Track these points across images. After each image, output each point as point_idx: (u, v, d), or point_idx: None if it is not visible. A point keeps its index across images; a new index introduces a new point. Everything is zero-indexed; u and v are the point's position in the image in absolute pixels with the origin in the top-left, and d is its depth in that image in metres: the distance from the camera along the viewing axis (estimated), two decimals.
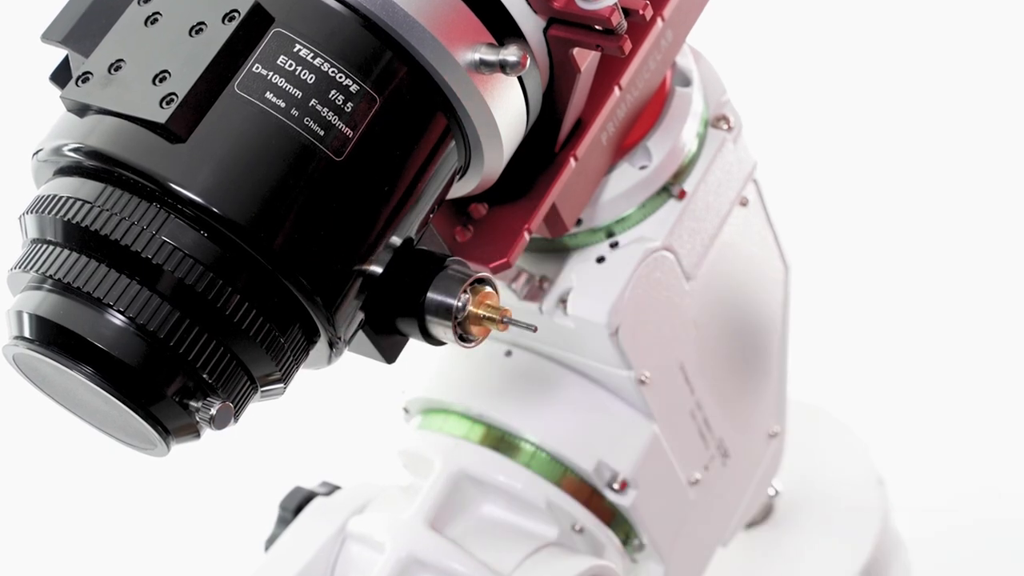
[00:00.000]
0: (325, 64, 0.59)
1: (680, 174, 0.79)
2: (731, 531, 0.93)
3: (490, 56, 0.61)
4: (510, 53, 0.61)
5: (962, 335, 1.39)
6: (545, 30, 0.64)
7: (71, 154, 0.58)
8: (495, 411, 0.81)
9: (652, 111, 0.78)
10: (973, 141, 1.52)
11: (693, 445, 0.86)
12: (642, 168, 0.78)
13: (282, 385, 0.61)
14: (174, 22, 0.58)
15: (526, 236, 0.70)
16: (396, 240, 0.62)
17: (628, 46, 0.64)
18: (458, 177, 0.66)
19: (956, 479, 1.31)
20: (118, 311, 0.56)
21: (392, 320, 0.63)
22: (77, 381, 0.57)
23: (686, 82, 0.80)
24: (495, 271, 0.70)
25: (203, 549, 1.31)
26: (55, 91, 0.61)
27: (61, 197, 0.58)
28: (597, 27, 0.63)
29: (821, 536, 1.05)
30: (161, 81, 0.57)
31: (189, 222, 0.57)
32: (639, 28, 0.69)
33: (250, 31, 0.58)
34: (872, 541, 1.02)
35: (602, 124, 0.72)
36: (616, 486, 0.81)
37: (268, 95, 0.58)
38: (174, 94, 0.56)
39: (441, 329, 0.63)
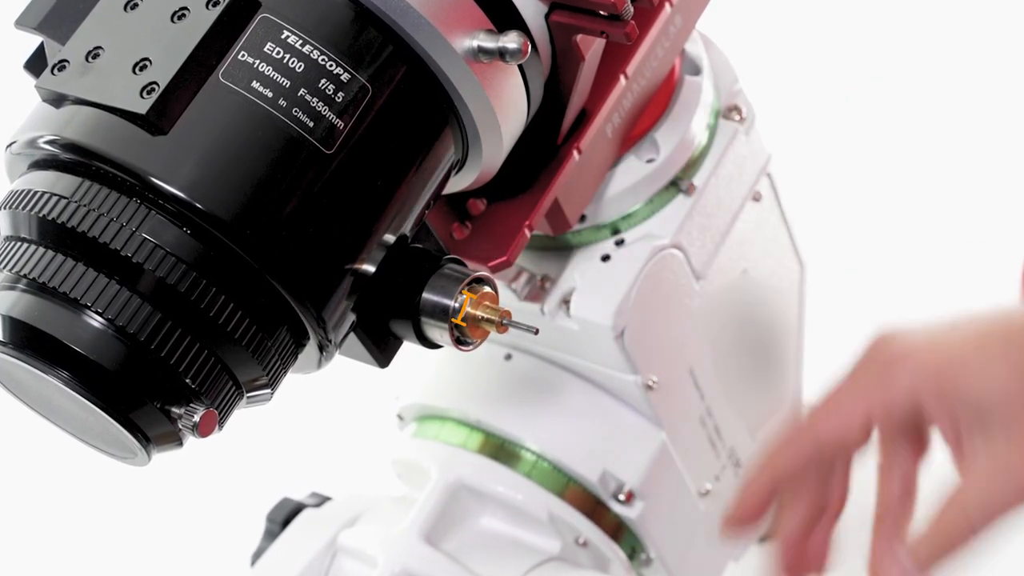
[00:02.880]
0: (315, 52, 0.59)
1: (689, 168, 0.79)
2: (743, 545, 0.92)
3: (489, 43, 0.61)
4: (510, 40, 0.61)
5: None
6: (547, 16, 0.64)
7: (46, 147, 0.58)
8: (494, 418, 0.81)
9: (660, 101, 0.78)
10: (999, 135, 1.52)
11: (703, 454, 0.85)
12: (649, 161, 0.78)
13: (269, 390, 0.61)
14: (155, 7, 0.58)
15: (527, 233, 0.70)
16: (390, 237, 0.61)
17: (634, 32, 0.64)
18: (455, 171, 0.66)
19: None
20: (96, 312, 0.56)
21: (386, 322, 0.63)
22: (53, 386, 0.57)
23: (696, 70, 0.80)
24: (494, 270, 0.70)
25: (186, 564, 1.31)
26: (29, 80, 0.61)
27: (36, 192, 0.58)
28: (602, 12, 0.63)
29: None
30: (141, 69, 0.57)
31: (171, 218, 0.56)
32: (646, 13, 0.69)
33: (235, 16, 0.58)
34: None
35: (607, 115, 0.72)
36: (622, 497, 0.81)
37: (254, 84, 0.58)
38: (155, 83, 0.56)
39: (437, 331, 0.63)
